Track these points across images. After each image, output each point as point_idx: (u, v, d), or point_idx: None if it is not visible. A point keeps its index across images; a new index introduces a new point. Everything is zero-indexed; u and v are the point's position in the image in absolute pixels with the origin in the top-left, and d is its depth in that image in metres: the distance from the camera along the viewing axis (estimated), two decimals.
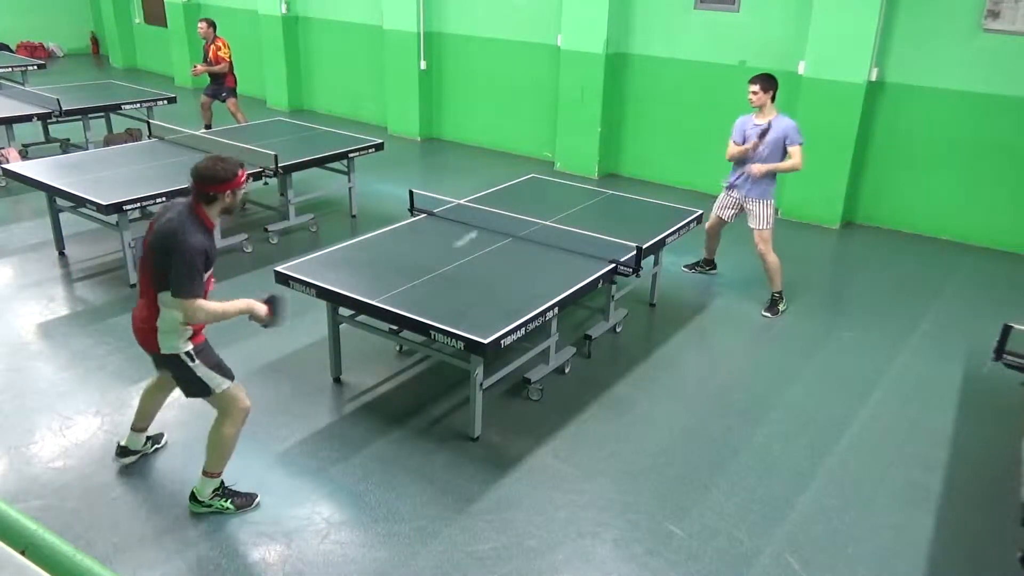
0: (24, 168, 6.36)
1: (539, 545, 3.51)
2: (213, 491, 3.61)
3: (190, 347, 3.41)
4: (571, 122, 9.39)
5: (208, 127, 9.45)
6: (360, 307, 4.19)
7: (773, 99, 5.67)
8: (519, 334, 3.91)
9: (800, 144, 5.60)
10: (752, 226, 5.86)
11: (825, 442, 4.36)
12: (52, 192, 6.06)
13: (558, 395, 4.70)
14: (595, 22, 8.77)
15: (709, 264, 6.64)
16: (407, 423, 4.39)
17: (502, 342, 3.77)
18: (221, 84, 9.54)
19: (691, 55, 8.58)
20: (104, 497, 3.73)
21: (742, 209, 5.95)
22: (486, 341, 3.69)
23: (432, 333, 3.84)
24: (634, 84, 9.13)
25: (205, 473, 3.60)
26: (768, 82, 5.63)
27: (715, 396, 4.82)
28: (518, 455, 4.14)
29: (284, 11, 12.06)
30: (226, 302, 3.38)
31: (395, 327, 4.45)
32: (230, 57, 9.41)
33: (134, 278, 5.95)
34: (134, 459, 3.96)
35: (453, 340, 3.78)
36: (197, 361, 3.42)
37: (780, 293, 5.96)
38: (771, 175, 5.76)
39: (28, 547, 1.26)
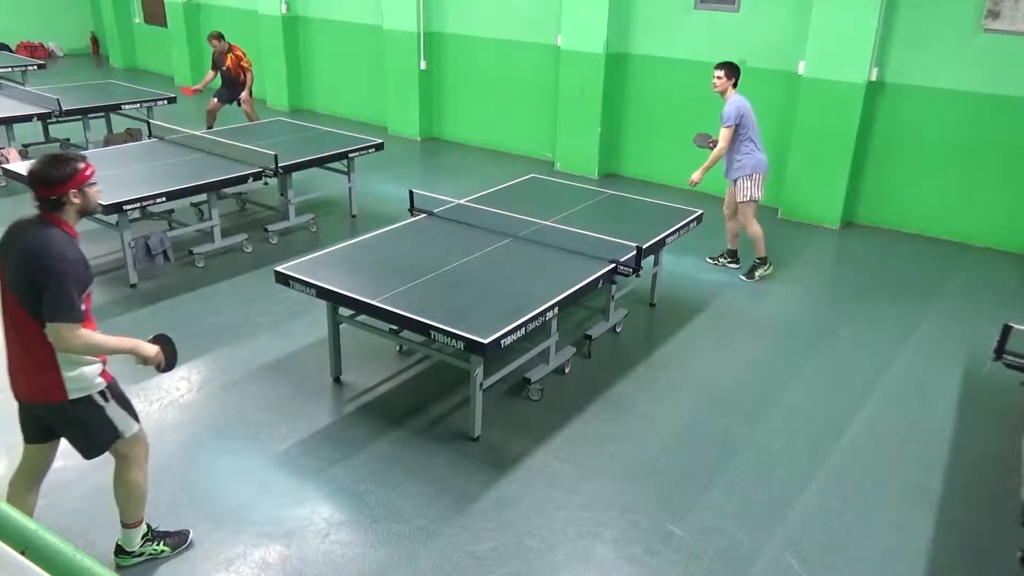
0: (24, 168, 6.35)
1: (539, 545, 3.51)
2: (142, 538, 3.31)
3: (103, 384, 3.00)
4: (571, 122, 9.39)
5: (210, 128, 9.46)
6: (360, 307, 4.19)
7: (735, 86, 6.17)
8: (519, 334, 3.91)
9: (725, 126, 6.08)
10: (737, 200, 6.33)
11: (825, 442, 4.36)
12: None
13: (558, 395, 4.70)
14: (595, 22, 8.77)
15: (731, 256, 6.77)
16: (407, 423, 4.40)
17: (502, 342, 3.77)
18: (238, 87, 9.62)
19: (691, 55, 8.57)
20: (104, 497, 3.71)
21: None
22: (486, 341, 3.68)
23: (432, 333, 3.84)
24: (634, 84, 9.13)
25: (126, 525, 3.25)
26: (731, 69, 6.14)
27: (715, 396, 4.82)
28: (518, 455, 4.14)
29: (284, 11, 12.06)
30: (111, 337, 2.99)
31: (395, 327, 4.46)
32: (250, 63, 9.60)
33: (134, 278, 5.95)
34: None
35: (453, 340, 3.77)
36: (111, 401, 3.04)
37: (763, 258, 6.36)
38: (738, 154, 6.16)
39: (28, 547, 1.25)
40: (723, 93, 6.15)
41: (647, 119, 9.15)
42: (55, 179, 2.85)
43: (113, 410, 3.05)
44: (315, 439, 4.21)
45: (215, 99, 9.71)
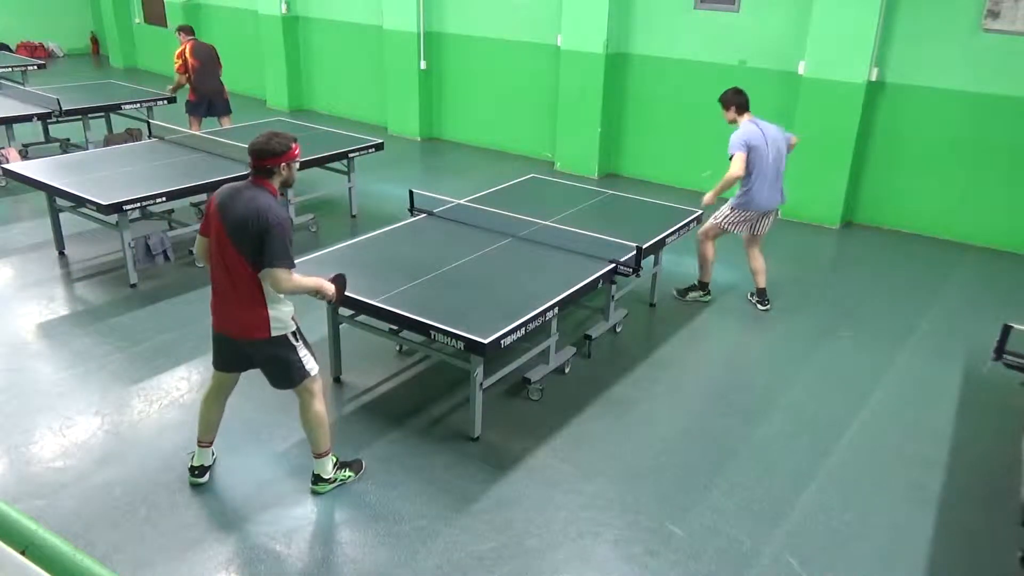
0: (24, 168, 6.36)
1: (539, 545, 3.51)
2: (333, 466, 3.80)
3: (294, 326, 3.52)
4: (571, 122, 9.39)
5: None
6: (360, 307, 4.19)
7: (740, 111, 5.60)
8: (519, 334, 3.91)
9: (734, 153, 5.48)
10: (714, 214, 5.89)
11: (825, 442, 4.36)
12: (52, 192, 6.06)
13: (558, 395, 4.70)
14: (595, 22, 8.77)
15: (760, 296, 6.08)
16: (407, 423, 4.39)
17: (502, 342, 3.78)
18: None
19: (691, 55, 8.57)
20: (104, 497, 3.73)
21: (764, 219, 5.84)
22: (486, 341, 3.69)
23: (432, 333, 3.84)
24: (634, 84, 9.13)
25: (318, 455, 3.72)
26: (730, 98, 5.60)
27: (715, 396, 4.82)
28: (518, 455, 4.14)
29: (284, 11, 12.06)
30: (306, 277, 3.48)
31: (395, 327, 4.46)
32: (182, 67, 8.61)
33: (134, 278, 5.95)
34: (208, 477, 3.85)
35: (453, 340, 3.78)
36: (300, 341, 3.55)
37: (704, 284, 6.04)
38: (743, 183, 5.61)
39: (28, 547, 1.26)
40: (733, 123, 5.64)
41: (647, 119, 9.15)
42: (275, 151, 3.38)
43: (302, 349, 3.55)
44: None
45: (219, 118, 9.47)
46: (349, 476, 3.86)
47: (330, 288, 3.60)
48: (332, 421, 4.38)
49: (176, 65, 8.68)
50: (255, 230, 3.25)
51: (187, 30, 8.94)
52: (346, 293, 3.77)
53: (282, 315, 3.45)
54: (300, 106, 12.57)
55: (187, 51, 8.64)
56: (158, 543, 3.45)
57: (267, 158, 3.38)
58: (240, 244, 3.30)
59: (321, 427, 3.67)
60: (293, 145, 3.46)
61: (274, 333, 3.43)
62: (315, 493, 3.78)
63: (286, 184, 3.52)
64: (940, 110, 7.33)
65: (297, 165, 3.55)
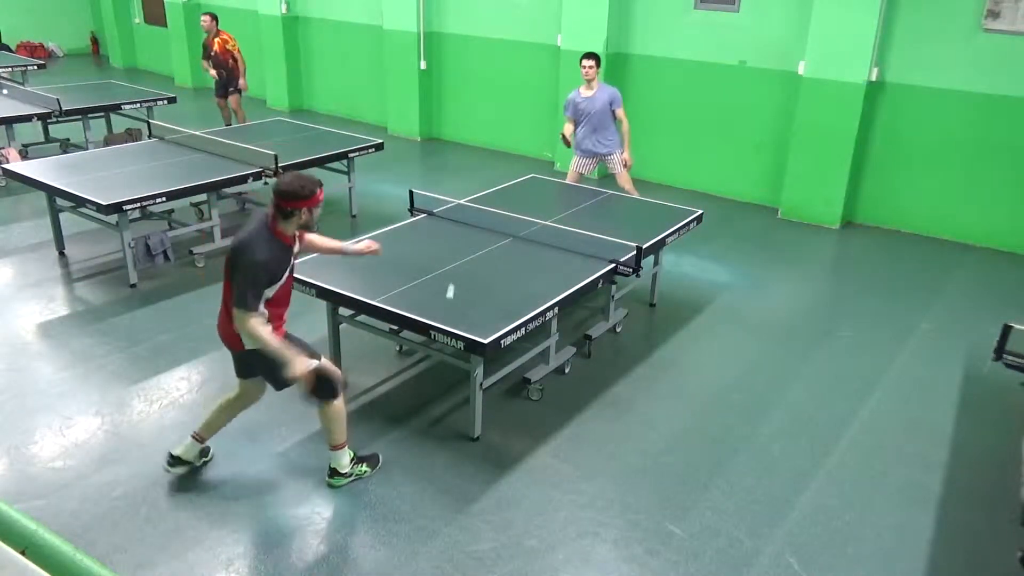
0: (24, 168, 6.36)
1: (539, 545, 3.52)
2: (350, 460, 3.83)
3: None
4: None
5: (229, 125, 9.47)
6: (360, 307, 4.19)
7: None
8: (519, 334, 3.91)
9: (622, 107, 6.72)
10: (616, 171, 6.90)
11: (825, 442, 4.36)
12: (52, 192, 6.06)
13: (558, 395, 4.70)
14: (595, 22, 8.77)
15: None
16: (407, 423, 4.40)
17: (502, 342, 3.77)
18: (231, 79, 9.48)
19: (691, 55, 8.57)
20: (104, 497, 3.73)
21: (597, 163, 6.98)
22: (486, 341, 3.69)
23: (432, 333, 3.84)
24: (634, 84, 9.12)
25: (334, 447, 3.75)
26: (599, 59, 6.65)
27: (715, 396, 4.82)
28: (518, 455, 4.14)
29: (284, 11, 12.06)
30: (274, 339, 3.38)
31: (395, 327, 4.46)
32: (239, 49, 9.33)
33: (134, 278, 5.95)
34: (185, 470, 3.84)
35: (453, 340, 3.78)
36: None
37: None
38: (610, 131, 6.76)
39: (28, 547, 1.26)
40: (590, 81, 6.60)
41: (647, 119, 9.13)
42: (299, 196, 3.33)
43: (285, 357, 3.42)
44: (315, 439, 4.20)
45: (216, 96, 9.68)
46: (365, 471, 3.88)
47: (302, 367, 3.38)
48: None
49: (235, 47, 9.26)
50: (233, 261, 3.34)
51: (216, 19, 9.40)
52: (327, 372, 3.59)
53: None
54: (300, 106, 12.57)
55: (233, 38, 9.32)
56: (158, 543, 3.45)
57: (290, 200, 3.33)
58: (229, 267, 3.40)
59: (335, 420, 3.70)
60: (318, 190, 3.39)
61: (247, 347, 3.48)
62: (330, 487, 3.81)
63: (306, 227, 3.49)
64: (940, 110, 7.33)
65: (320, 210, 3.47)
